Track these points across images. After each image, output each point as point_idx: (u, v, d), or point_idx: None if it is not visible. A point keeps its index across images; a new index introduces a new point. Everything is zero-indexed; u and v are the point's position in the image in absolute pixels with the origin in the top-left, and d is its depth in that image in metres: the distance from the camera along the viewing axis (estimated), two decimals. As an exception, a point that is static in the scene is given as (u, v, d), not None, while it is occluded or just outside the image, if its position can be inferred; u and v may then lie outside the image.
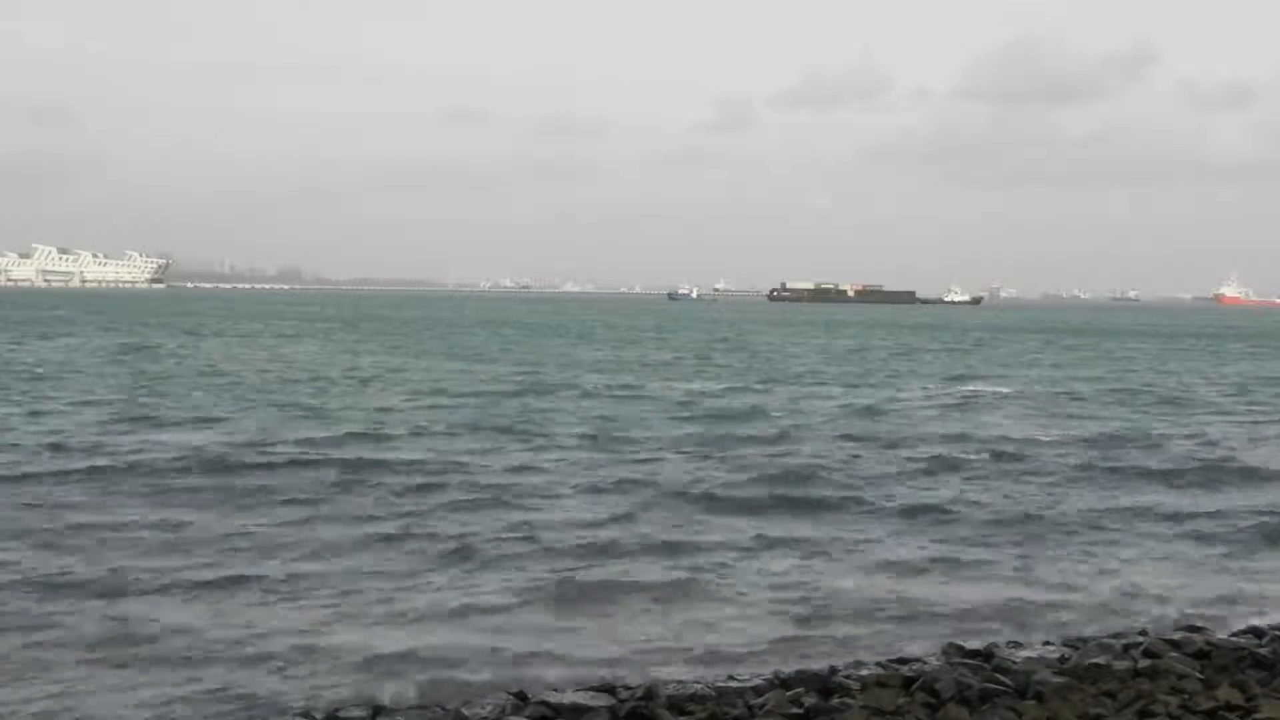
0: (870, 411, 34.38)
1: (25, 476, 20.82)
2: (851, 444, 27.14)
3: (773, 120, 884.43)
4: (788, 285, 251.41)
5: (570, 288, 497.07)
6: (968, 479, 22.65)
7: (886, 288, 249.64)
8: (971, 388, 43.16)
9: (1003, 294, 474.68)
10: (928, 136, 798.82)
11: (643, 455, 24.79)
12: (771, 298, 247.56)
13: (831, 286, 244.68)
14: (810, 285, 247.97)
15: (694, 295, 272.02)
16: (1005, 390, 42.29)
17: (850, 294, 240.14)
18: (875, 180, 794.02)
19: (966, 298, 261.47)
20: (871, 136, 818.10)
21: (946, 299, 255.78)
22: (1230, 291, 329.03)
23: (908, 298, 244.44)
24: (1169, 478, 23.35)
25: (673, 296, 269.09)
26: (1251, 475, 23.89)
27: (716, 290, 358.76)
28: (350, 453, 24.03)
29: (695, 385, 42.40)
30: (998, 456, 25.31)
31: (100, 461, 22.41)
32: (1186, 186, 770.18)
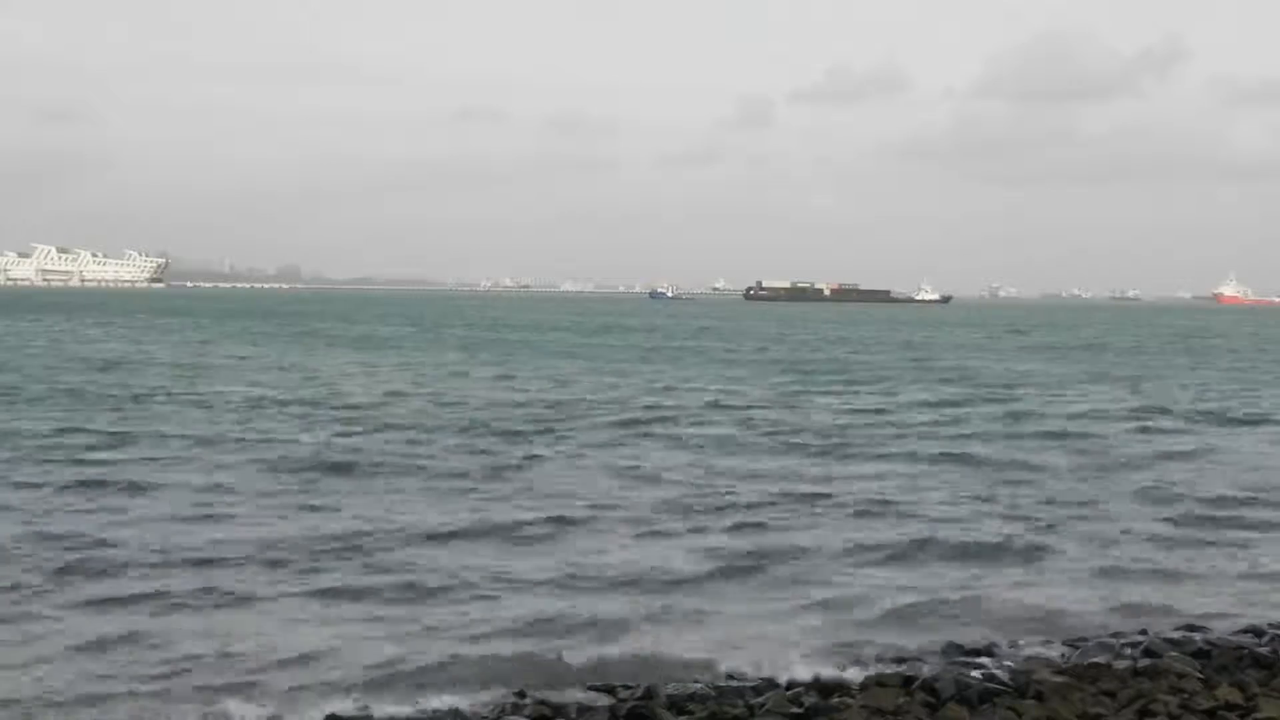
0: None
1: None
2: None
3: (793, 118, 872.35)
4: (764, 284, 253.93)
5: (569, 287, 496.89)
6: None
7: (862, 286, 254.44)
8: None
9: (1002, 293, 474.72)
10: (946, 135, 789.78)
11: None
12: (748, 296, 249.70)
13: (808, 285, 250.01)
14: (787, 284, 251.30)
15: (670, 294, 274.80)
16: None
17: (826, 293, 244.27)
18: (888, 179, 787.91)
19: (936, 296, 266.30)
20: (889, 135, 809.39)
21: (917, 298, 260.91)
22: (1229, 291, 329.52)
23: (882, 296, 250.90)
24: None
25: (653, 295, 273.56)
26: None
27: (715, 289, 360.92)
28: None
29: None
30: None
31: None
32: (1201, 186, 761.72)
